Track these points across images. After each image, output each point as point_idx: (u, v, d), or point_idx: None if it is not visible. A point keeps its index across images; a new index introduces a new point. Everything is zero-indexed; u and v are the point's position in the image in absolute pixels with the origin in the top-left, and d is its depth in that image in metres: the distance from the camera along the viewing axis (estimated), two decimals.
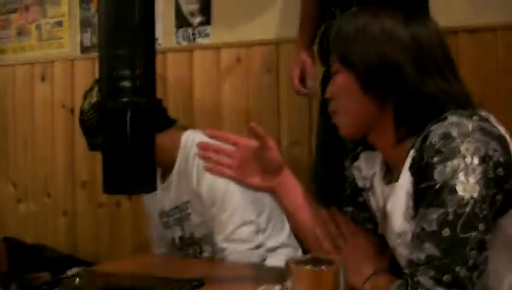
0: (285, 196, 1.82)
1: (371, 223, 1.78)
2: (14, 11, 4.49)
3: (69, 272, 2.24)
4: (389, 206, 1.61)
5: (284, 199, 1.82)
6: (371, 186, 1.75)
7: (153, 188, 1.41)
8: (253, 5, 3.40)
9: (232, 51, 3.47)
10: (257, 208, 2.54)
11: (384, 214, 1.65)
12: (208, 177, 2.42)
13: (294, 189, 1.82)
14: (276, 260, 2.48)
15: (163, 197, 2.64)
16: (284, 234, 2.65)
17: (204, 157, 1.81)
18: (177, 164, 2.57)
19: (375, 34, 1.58)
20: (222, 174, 1.82)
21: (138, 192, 1.67)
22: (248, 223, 2.47)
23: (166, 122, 2.60)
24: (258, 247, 2.46)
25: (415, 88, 1.53)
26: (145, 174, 1.38)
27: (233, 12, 3.46)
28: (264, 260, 2.47)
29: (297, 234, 1.92)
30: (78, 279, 2.00)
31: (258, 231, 2.50)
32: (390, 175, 1.66)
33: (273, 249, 2.58)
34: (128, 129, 1.35)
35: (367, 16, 1.64)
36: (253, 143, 1.79)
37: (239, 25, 3.41)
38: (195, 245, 2.62)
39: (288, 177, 1.83)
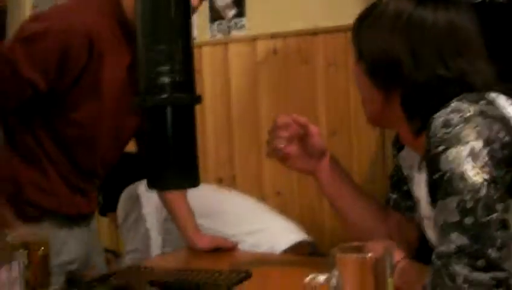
0: (325, 180, 1.87)
1: (412, 212, 1.80)
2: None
3: (116, 269, 2.26)
4: (417, 193, 1.65)
5: (323, 183, 1.87)
6: (413, 175, 1.77)
7: (196, 183, 1.42)
8: None
9: (268, 42, 3.47)
10: None
11: (418, 200, 1.68)
12: None
13: (333, 174, 1.87)
14: None
15: None
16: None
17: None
18: None
19: (384, 24, 1.60)
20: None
21: (182, 187, 1.68)
22: None
23: None
24: None
25: (413, 79, 1.55)
26: (189, 169, 1.39)
27: (268, 2, 3.45)
28: None
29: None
30: (125, 275, 2.03)
31: None
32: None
33: None
34: (169, 126, 1.36)
35: (386, 3, 1.64)
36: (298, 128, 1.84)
37: (274, 16, 3.41)
38: None
39: (330, 162, 1.87)
